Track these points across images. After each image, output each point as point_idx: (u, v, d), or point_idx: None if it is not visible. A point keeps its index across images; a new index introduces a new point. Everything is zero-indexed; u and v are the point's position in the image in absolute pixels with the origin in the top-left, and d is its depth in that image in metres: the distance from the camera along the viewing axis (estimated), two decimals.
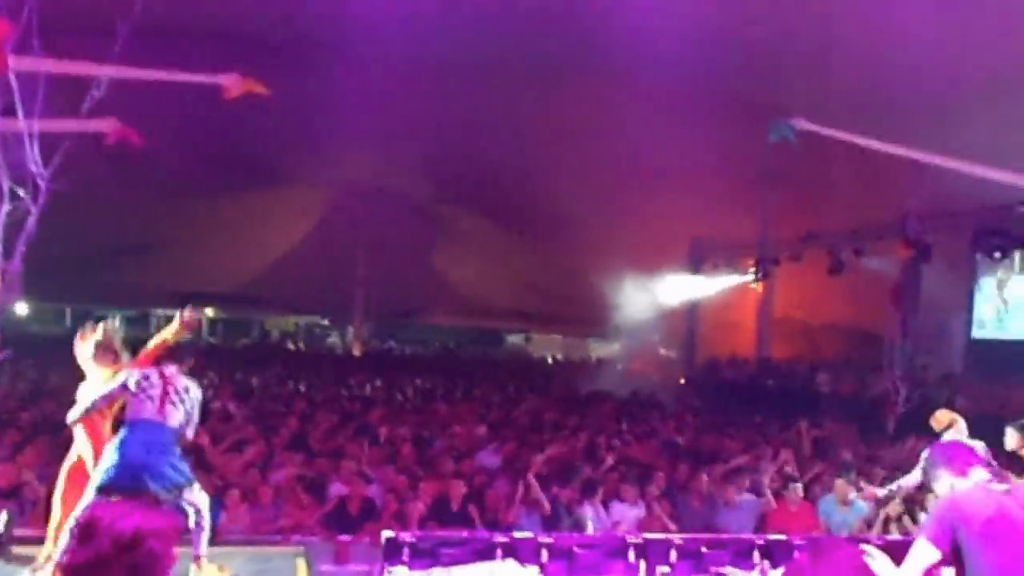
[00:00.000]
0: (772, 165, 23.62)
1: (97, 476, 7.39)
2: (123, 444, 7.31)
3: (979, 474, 5.20)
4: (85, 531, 3.00)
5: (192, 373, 8.04)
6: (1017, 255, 23.70)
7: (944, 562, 4.90)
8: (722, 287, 31.49)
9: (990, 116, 17.92)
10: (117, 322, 8.62)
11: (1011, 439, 9.88)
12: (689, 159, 24.19)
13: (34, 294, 32.67)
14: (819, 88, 18.37)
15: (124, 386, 7.52)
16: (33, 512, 10.08)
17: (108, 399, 7.62)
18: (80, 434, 8.04)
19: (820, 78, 18.74)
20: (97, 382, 7.98)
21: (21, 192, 8.52)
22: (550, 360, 47.54)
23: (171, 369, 7.67)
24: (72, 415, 7.80)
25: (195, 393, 7.76)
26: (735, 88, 21.05)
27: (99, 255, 31.74)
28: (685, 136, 22.98)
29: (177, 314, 8.19)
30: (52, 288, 30.75)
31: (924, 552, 4.87)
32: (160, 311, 43.12)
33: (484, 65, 22.17)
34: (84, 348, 8.23)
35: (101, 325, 8.30)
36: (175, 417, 7.53)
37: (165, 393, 7.48)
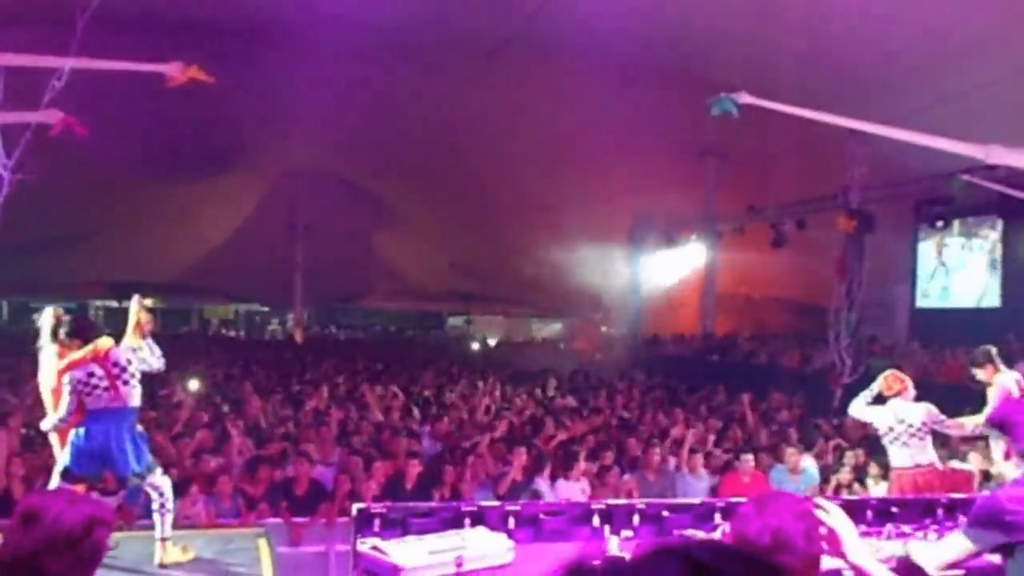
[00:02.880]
0: (713, 141, 23.91)
1: (61, 463, 7.56)
2: (86, 433, 7.45)
3: None
4: (27, 519, 2.94)
5: None
6: (956, 222, 24.15)
7: (979, 555, 4.82)
8: (665, 263, 31.76)
9: (929, 87, 18.29)
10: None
11: (981, 373, 10.35)
12: (629, 136, 24.42)
13: None
14: (759, 62, 18.63)
15: (74, 396, 7.56)
16: None
17: (69, 413, 7.66)
18: (54, 439, 8.13)
19: (760, 52, 19.02)
20: (53, 368, 8.04)
21: None
22: (493, 342, 47.69)
23: (104, 351, 7.67)
24: (47, 425, 7.91)
25: (136, 358, 7.79)
26: (674, 64, 21.29)
27: (36, 247, 31.51)
28: (625, 113, 23.23)
29: (132, 320, 8.08)
30: None
31: (961, 545, 4.80)
32: (99, 302, 42.97)
33: (422, 48, 22.29)
34: (43, 342, 8.26)
35: (47, 311, 8.31)
36: (132, 396, 7.64)
37: (113, 377, 7.55)
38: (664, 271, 32.40)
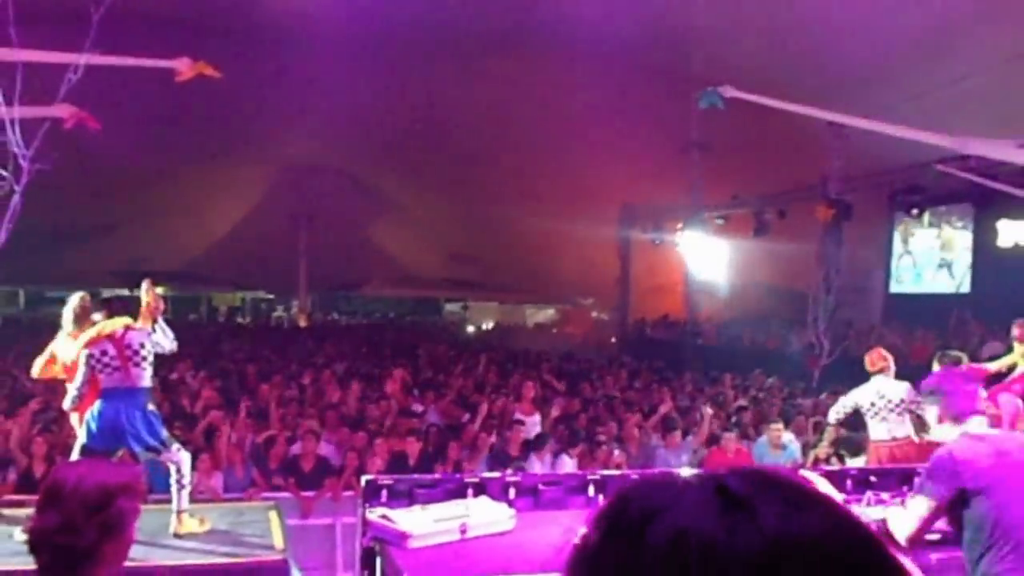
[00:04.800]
0: (699, 133, 23.95)
1: (79, 440, 7.67)
2: (99, 411, 7.57)
3: (975, 423, 5.03)
4: (50, 494, 2.93)
5: None
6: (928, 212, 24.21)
7: (939, 511, 4.85)
8: (652, 251, 31.80)
9: (905, 81, 18.33)
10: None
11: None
12: (619, 129, 24.46)
13: None
14: (743, 58, 18.66)
15: (88, 369, 7.69)
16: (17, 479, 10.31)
17: (84, 386, 7.77)
18: (75, 419, 8.23)
19: (744, 49, 19.05)
20: (71, 349, 8.13)
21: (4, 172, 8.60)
22: (487, 327, 47.78)
23: (121, 332, 7.77)
24: (66, 403, 8.02)
25: (151, 341, 7.89)
26: (662, 60, 21.32)
27: (49, 238, 31.49)
28: (615, 107, 23.27)
29: (143, 301, 8.16)
30: (5, 272, 30.57)
31: (921, 505, 4.85)
32: (110, 291, 43.01)
33: (419, 44, 22.28)
34: (64, 320, 8.36)
35: (75, 296, 8.43)
36: (143, 377, 7.75)
37: (125, 358, 7.65)
38: (651, 258, 32.44)
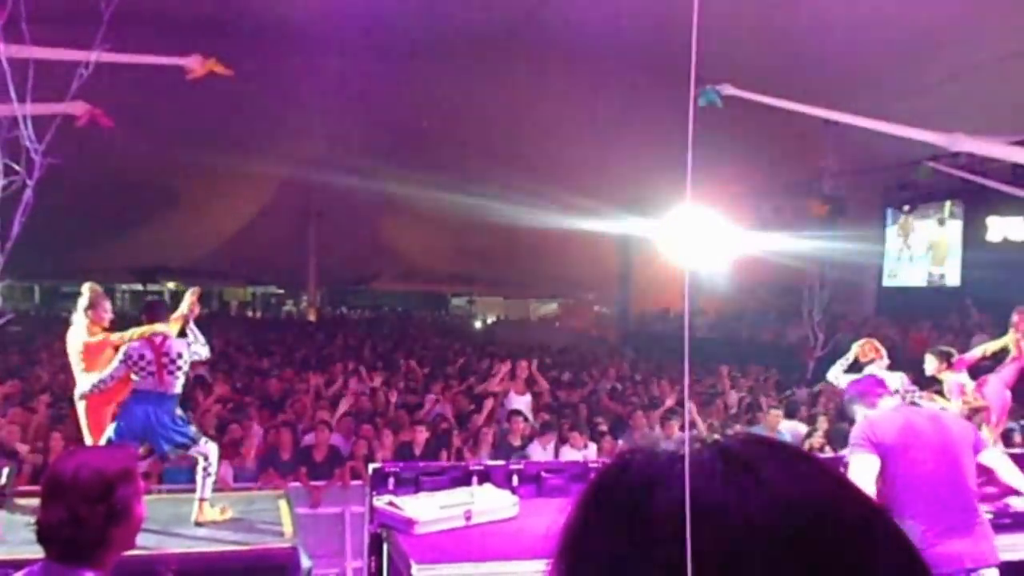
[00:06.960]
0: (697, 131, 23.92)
1: (105, 435, 7.68)
2: (128, 411, 7.60)
3: (887, 402, 5.97)
4: (51, 488, 2.87)
5: None
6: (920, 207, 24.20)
7: (876, 464, 5.53)
8: (652, 246, 31.82)
9: (898, 80, 18.30)
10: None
11: (930, 364, 10.42)
12: (621, 127, 24.44)
13: (5, 273, 32.46)
14: (740, 57, 18.62)
15: (122, 365, 7.71)
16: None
17: (111, 379, 7.79)
18: (81, 408, 8.21)
19: (741, 48, 19.00)
20: (82, 342, 8.10)
21: (16, 167, 8.55)
22: (492, 320, 47.86)
23: (160, 339, 7.78)
24: (79, 391, 8.01)
25: (189, 352, 7.92)
26: (662, 60, 21.26)
27: (65, 235, 31.48)
28: (617, 105, 23.26)
29: (184, 306, 8.22)
30: (20, 267, 30.61)
31: (863, 462, 5.49)
32: (124, 286, 43.00)
33: (425, 42, 22.27)
34: (77, 315, 8.35)
35: (85, 288, 8.41)
36: (175, 385, 7.78)
37: (161, 365, 7.67)
38: (651, 253, 32.48)
